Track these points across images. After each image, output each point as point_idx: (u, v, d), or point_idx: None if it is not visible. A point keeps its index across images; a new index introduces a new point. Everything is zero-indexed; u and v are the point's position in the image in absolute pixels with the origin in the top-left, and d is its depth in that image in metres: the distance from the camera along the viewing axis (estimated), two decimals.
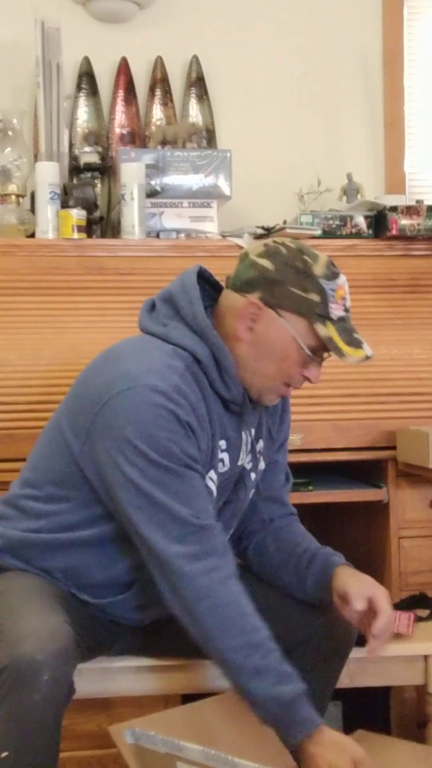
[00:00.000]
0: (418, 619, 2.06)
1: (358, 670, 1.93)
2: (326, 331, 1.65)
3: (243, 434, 1.74)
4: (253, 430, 1.78)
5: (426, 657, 1.94)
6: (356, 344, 1.67)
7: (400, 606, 2.17)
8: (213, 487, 1.69)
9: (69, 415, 1.70)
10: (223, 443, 1.70)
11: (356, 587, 1.69)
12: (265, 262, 1.66)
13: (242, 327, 1.66)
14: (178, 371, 1.63)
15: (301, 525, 1.93)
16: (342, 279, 1.68)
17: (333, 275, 1.66)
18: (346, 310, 1.68)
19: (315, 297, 1.64)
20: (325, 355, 1.71)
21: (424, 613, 2.10)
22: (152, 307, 1.74)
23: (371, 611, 1.67)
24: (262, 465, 1.84)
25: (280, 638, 1.71)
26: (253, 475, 1.81)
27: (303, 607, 1.76)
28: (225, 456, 1.71)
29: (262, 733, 1.68)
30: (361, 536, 2.57)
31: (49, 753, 1.51)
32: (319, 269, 1.65)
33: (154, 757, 1.41)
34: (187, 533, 1.57)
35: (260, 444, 1.82)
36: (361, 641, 1.89)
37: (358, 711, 2.39)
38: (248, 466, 1.79)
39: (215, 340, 1.66)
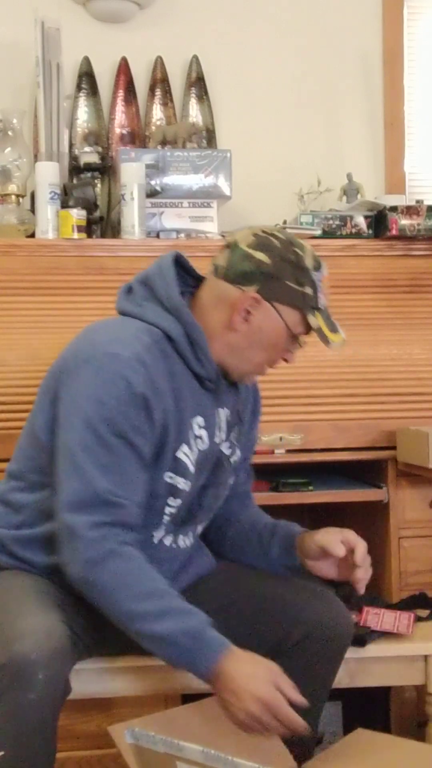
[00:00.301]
0: (418, 619, 2.06)
1: (358, 670, 1.93)
2: (316, 321, 1.74)
3: (218, 411, 1.78)
4: (228, 411, 1.82)
5: (426, 657, 1.94)
6: (335, 329, 1.77)
7: (400, 606, 2.17)
8: (188, 462, 1.71)
9: (39, 396, 1.75)
10: (200, 420, 1.74)
11: (328, 538, 1.77)
12: (261, 256, 1.70)
13: (238, 318, 1.71)
14: (144, 344, 1.67)
15: (256, 505, 2.00)
16: (325, 268, 1.77)
17: (319, 265, 1.75)
18: (327, 298, 1.78)
19: (309, 290, 1.72)
20: (304, 338, 1.78)
21: (424, 613, 2.10)
22: (129, 290, 1.79)
23: (348, 552, 1.76)
24: (238, 453, 1.87)
25: (274, 639, 1.72)
26: (232, 460, 1.85)
27: (297, 607, 1.76)
28: (204, 433, 1.74)
29: None
30: (361, 536, 2.56)
31: (46, 751, 1.52)
32: (308, 261, 1.73)
33: (154, 757, 1.41)
34: (97, 505, 1.59)
35: (235, 431, 1.85)
36: (361, 641, 1.90)
37: (358, 711, 2.39)
38: (226, 451, 1.82)
39: (188, 319, 1.71)
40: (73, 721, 2.16)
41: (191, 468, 1.73)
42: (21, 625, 1.53)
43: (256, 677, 1.53)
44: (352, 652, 1.90)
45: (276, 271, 1.70)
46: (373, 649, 1.92)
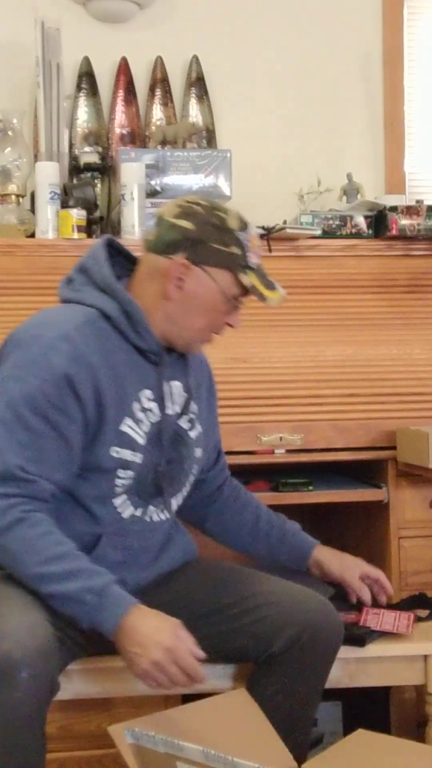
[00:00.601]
0: (418, 619, 2.06)
1: (358, 670, 1.93)
2: (249, 279, 1.76)
3: (166, 385, 1.80)
4: (180, 385, 1.84)
5: (426, 657, 1.94)
6: (272, 286, 1.80)
7: (400, 606, 2.17)
8: (134, 434, 1.74)
9: None
10: (148, 393, 1.77)
11: (354, 580, 1.98)
12: (185, 223, 1.75)
13: (171, 286, 1.75)
14: (74, 323, 1.71)
15: (239, 484, 2.06)
16: (252, 229, 1.80)
17: (245, 226, 1.77)
18: (259, 257, 1.79)
19: (235, 249, 1.75)
20: (243, 300, 1.81)
21: (424, 613, 2.10)
22: (69, 279, 1.83)
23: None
24: (199, 429, 1.89)
25: (264, 641, 1.72)
26: (192, 435, 1.87)
27: (286, 608, 1.76)
28: (153, 405, 1.77)
29: (262, 733, 1.69)
30: (361, 536, 2.56)
31: (34, 749, 1.53)
32: (232, 222, 1.76)
33: (154, 757, 1.41)
34: (7, 479, 1.63)
35: (194, 406, 1.87)
36: (361, 641, 1.90)
37: (358, 711, 2.39)
38: (185, 426, 1.85)
39: (123, 296, 1.75)
40: (73, 721, 2.16)
41: (140, 440, 1.75)
42: (3, 624, 1.54)
43: (160, 628, 1.59)
44: (352, 652, 1.90)
45: (201, 235, 1.74)
46: (373, 649, 1.92)
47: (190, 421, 1.86)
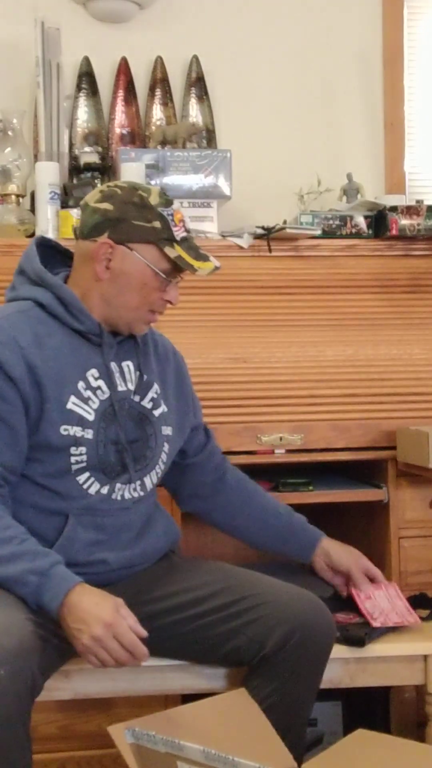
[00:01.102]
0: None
1: (358, 670, 1.93)
2: (175, 251, 1.79)
3: (114, 365, 1.84)
4: (131, 365, 1.87)
5: (426, 657, 1.94)
6: (204, 258, 1.83)
7: None
8: (82, 411, 1.78)
9: None
10: (94, 371, 1.81)
11: (356, 567, 2.01)
12: (105, 205, 1.80)
13: (100, 267, 1.80)
14: (5, 313, 1.79)
15: (241, 472, 2.08)
16: (176, 204, 1.85)
17: (167, 203, 1.82)
18: (187, 231, 1.84)
19: (157, 224, 1.79)
20: (180, 276, 1.84)
21: (424, 613, 2.10)
22: (12, 285, 1.90)
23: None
24: (163, 408, 1.91)
25: (256, 641, 1.73)
26: (156, 413, 1.90)
27: (278, 607, 1.76)
28: (101, 383, 1.81)
29: (262, 733, 1.69)
30: (361, 536, 2.56)
31: (18, 747, 1.53)
32: (154, 199, 1.80)
33: (154, 757, 1.41)
34: None
35: (155, 386, 1.91)
36: (361, 641, 1.90)
37: (358, 711, 2.39)
38: (147, 405, 1.88)
39: (53, 282, 1.82)
40: (73, 721, 2.16)
41: (89, 417, 1.78)
42: None
43: (101, 605, 1.62)
44: (352, 652, 1.90)
45: (121, 215, 1.78)
46: (373, 649, 1.92)
47: (152, 400, 1.90)
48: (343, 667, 1.91)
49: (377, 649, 1.93)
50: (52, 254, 1.91)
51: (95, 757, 2.16)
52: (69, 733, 2.16)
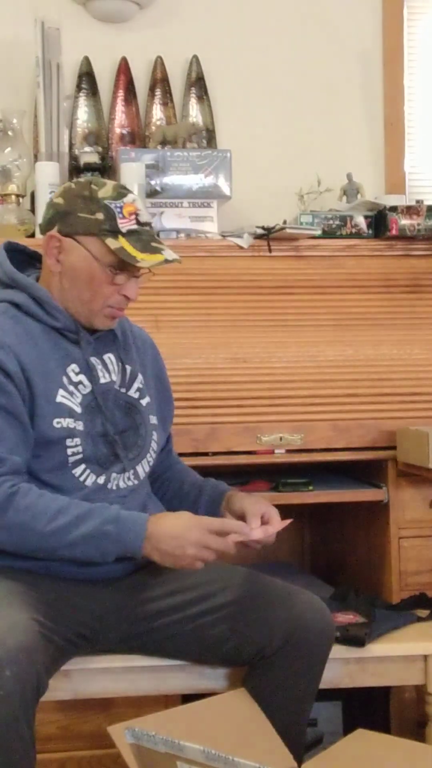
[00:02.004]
0: (418, 619, 2.06)
1: (358, 670, 1.93)
2: (117, 243, 1.78)
3: (95, 359, 1.85)
4: (112, 357, 1.89)
5: (426, 657, 1.94)
6: (153, 251, 1.80)
7: (401, 606, 2.17)
8: (71, 404, 1.80)
9: None
10: (74, 367, 1.83)
11: (253, 507, 1.85)
12: (58, 200, 1.83)
13: (51, 260, 1.83)
14: None
15: (182, 463, 2.10)
16: (130, 197, 1.83)
17: (119, 195, 1.81)
18: (141, 224, 1.81)
19: (100, 216, 1.78)
20: (139, 271, 1.83)
21: (424, 613, 2.10)
22: None
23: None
24: (148, 398, 1.93)
25: (256, 641, 1.73)
26: (144, 403, 1.92)
27: (278, 607, 1.77)
28: (82, 378, 1.83)
29: (262, 733, 1.69)
30: (361, 536, 2.56)
31: (22, 747, 1.53)
32: (104, 192, 1.80)
33: (154, 757, 1.41)
34: None
35: (140, 379, 1.92)
36: (360, 641, 1.90)
37: (358, 711, 2.39)
38: (134, 395, 1.90)
39: (25, 282, 1.84)
40: (73, 721, 2.16)
41: (77, 408, 1.80)
42: None
43: (180, 517, 1.73)
44: (352, 652, 1.90)
45: (68, 208, 1.80)
46: (373, 649, 1.92)
47: (138, 390, 1.91)
48: (343, 667, 1.92)
49: (377, 649, 1.93)
50: (22, 258, 1.92)
51: (95, 757, 2.16)
52: (69, 733, 2.16)
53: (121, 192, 1.82)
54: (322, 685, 1.82)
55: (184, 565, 1.70)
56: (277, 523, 1.82)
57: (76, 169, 2.83)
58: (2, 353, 1.75)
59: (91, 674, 1.80)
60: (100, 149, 2.89)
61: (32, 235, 2.57)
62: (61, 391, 1.79)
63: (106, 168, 2.85)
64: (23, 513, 1.68)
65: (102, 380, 1.85)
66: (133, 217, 1.80)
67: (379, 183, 3.08)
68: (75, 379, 1.82)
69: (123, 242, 1.77)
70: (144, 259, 1.77)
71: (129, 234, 1.79)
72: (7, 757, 1.51)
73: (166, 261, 1.80)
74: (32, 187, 2.65)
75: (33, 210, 2.62)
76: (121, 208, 1.79)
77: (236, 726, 1.69)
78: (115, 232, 1.78)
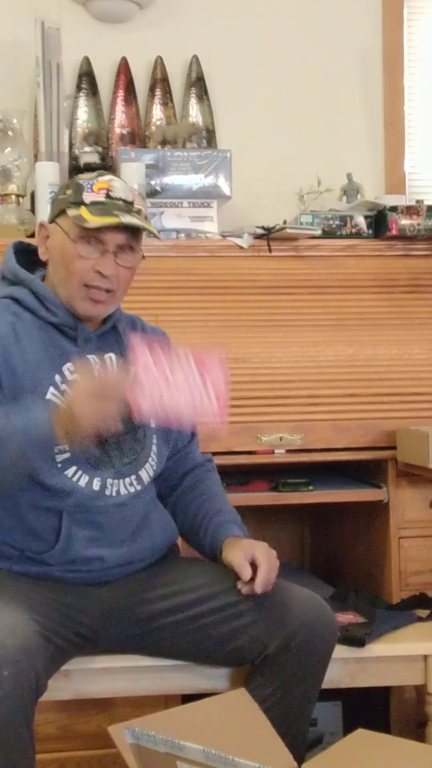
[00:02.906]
0: (418, 619, 2.06)
1: (358, 670, 1.93)
2: (75, 211, 1.77)
3: (93, 357, 1.83)
4: (113, 356, 1.86)
5: (426, 657, 1.94)
6: (109, 215, 1.76)
7: (401, 606, 2.17)
8: (60, 402, 1.76)
9: None
10: (70, 365, 1.81)
11: (237, 558, 1.77)
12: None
13: (42, 250, 1.86)
14: None
15: (214, 475, 2.02)
16: (107, 177, 1.83)
17: (98, 176, 1.82)
18: (111, 198, 1.78)
19: (69, 191, 1.81)
20: (113, 245, 1.78)
21: (424, 613, 2.10)
22: None
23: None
24: None
25: (259, 641, 1.73)
26: None
27: (281, 607, 1.76)
28: (77, 377, 1.79)
29: (262, 733, 1.69)
30: (361, 536, 2.57)
31: (21, 748, 1.53)
32: (84, 176, 1.83)
33: (154, 757, 1.41)
34: None
35: None
36: (361, 641, 1.90)
37: (358, 711, 2.39)
38: None
39: (26, 277, 1.84)
40: (73, 721, 2.16)
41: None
42: None
43: (79, 386, 1.66)
44: (352, 652, 1.90)
45: (56, 196, 1.86)
46: (373, 649, 1.92)
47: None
48: (343, 667, 1.92)
49: (377, 649, 1.93)
50: (32, 258, 1.91)
51: (95, 757, 2.16)
52: (69, 733, 2.16)
53: (102, 174, 1.84)
54: (322, 685, 1.82)
55: (91, 422, 1.62)
56: (264, 563, 1.76)
57: (76, 169, 2.83)
58: (2, 359, 1.75)
59: (91, 674, 1.80)
60: (100, 149, 2.89)
61: (32, 235, 2.57)
62: (51, 389, 1.78)
63: (106, 168, 2.85)
64: None
65: None
66: (103, 192, 1.79)
67: (379, 183, 3.08)
68: (70, 377, 1.79)
69: (82, 211, 1.76)
70: (92, 221, 1.74)
71: (92, 204, 1.77)
72: (6, 757, 1.51)
73: (123, 225, 1.75)
74: (32, 187, 2.65)
75: (33, 210, 2.62)
76: (92, 184, 1.80)
77: (236, 726, 1.69)
78: (78, 204, 1.77)
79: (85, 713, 2.15)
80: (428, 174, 3.17)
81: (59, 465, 1.76)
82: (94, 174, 1.84)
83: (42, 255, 1.85)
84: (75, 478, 1.77)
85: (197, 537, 1.92)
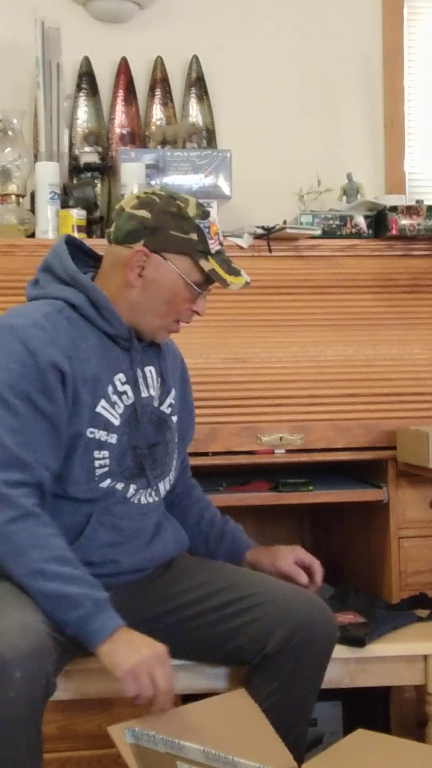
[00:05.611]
0: (418, 619, 2.06)
1: (358, 670, 1.93)
2: (209, 264, 1.79)
3: (139, 370, 1.84)
4: (153, 370, 1.88)
5: (426, 657, 1.94)
6: (236, 273, 1.83)
7: (401, 606, 2.17)
8: (109, 416, 1.79)
9: None
10: (121, 376, 1.81)
11: (286, 565, 1.93)
12: (143, 213, 1.79)
13: (132, 275, 1.79)
14: (43, 312, 1.76)
15: (193, 481, 2.09)
16: (213, 217, 1.85)
17: (205, 214, 1.81)
18: (221, 243, 1.83)
19: (194, 236, 1.78)
20: (209, 288, 1.84)
21: (424, 613, 2.10)
22: (36, 281, 1.88)
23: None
24: (177, 415, 1.93)
25: (258, 640, 1.73)
26: (174, 419, 1.92)
27: (280, 607, 1.76)
28: (127, 388, 1.81)
29: (262, 733, 1.69)
30: (361, 536, 2.56)
31: (30, 750, 1.53)
32: (191, 211, 1.79)
33: (154, 757, 1.41)
34: (8, 465, 1.67)
35: (173, 394, 1.92)
36: (361, 641, 1.90)
37: (358, 711, 2.39)
38: (167, 410, 1.90)
39: (86, 284, 1.80)
40: (73, 721, 2.16)
41: (115, 422, 1.79)
42: None
43: (150, 641, 1.64)
44: (352, 652, 1.90)
45: (158, 223, 1.77)
46: (373, 649, 1.92)
47: (170, 406, 1.91)
48: (343, 667, 1.92)
49: (377, 649, 1.93)
50: (78, 254, 1.89)
51: (95, 757, 2.16)
52: (69, 733, 2.16)
53: (205, 210, 1.81)
54: (322, 685, 1.82)
55: (123, 680, 1.61)
56: (311, 558, 1.94)
57: (76, 169, 2.83)
58: (58, 357, 1.72)
59: (91, 674, 1.80)
60: (100, 149, 2.89)
61: (32, 235, 2.58)
62: (102, 402, 1.77)
63: (106, 168, 2.85)
64: (28, 537, 1.65)
65: (143, 394, 1.84)
66: (217, 237, 1.81)
67: (379, 183, 3.08)
68: (120, 389, 1.80)
69: (214, 263, 1.79)
70: (232, 282, 1.81)
71: (217, 255, 1.80)
72: (15, 758, 1.51)
73: (246, 283, 1.83)
74: (32, 187, 2.65)
75: (33, 210, 2.62)
76: (208, 228, 1.80)
77: (236, 726, 1.69)
78: (207, 253, 1.78)
79: (85, 713, 2.15)
80: (428, 174, 3.17)
81: (96, 478, 1.77)
82: (196, 208, 1.80)
83: (133, 281, 1.78)
84: (107, 487, 1.79)
85: (207, 541, 2.00)
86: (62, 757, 2.16)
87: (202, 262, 1.78)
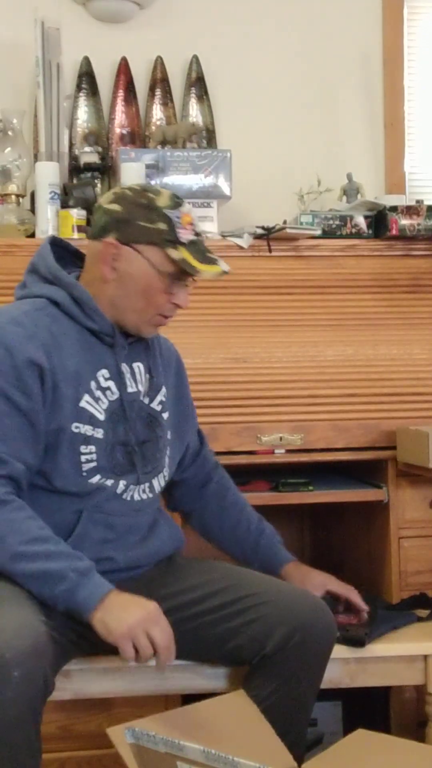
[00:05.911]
0: (418, 619, 2.06)
1: (358, 670, 1.93)
2: (179, 254, 1.77)
3: (126, 366, 1.84)
4: (141, 366, 1.88)
5: (426, 657, 1.94)
6: (210, 261, 1.81)
7: (401, 606, 2.17)
8: (93, 410, 1.79)
9: None
10: (105, 372, 1.81)
11: (350, 595, 1.98)
12: (114, 206, 1.80)
13: (106, 268, 1.80)
14: (23, 311, 1.78)
15: (226, 474, 2.08)
16: (186, 207, 1.82)
17: (176, 205, 1.80)
18: (197, 234, 1.81)
19: (162, 226, 1.77)
20: (190, 280, 1.83)
21: (424, 613, 2.10)
22: (23, 284, 1.90)
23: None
24: (168, 412, 1.93)
25: (257, 641, 1.73)
26: (165, 416, 1.92)
27: (279, 608, 1.76)
28: (111, 384, 1.82)
29: (262, 733, 1.69)
30: (361, 536, 2.56)
31: (28, 749, 1.53)
32: (162, 201, 1.79)
33: (154, 757, 1.41)
34: None
35: (163, 392, 1.92)
36: (360, 641, 1.90)
37: (358, 711, 2.39)
38: (157, 407, 1.90)
39: (68, 281, 1.82)
40: (73, 721, 2.16)
41: (99, 416, 1.79)
42: None
43: (141, 601, 1.67)
44: (352, 652, 1.90)
45: (127, 215, 1.78)
46: (373, 649, 1.92)
47: (161, 403, 1.91)
48: (343, 667, 1.92)
49: (377, 649, 1.93)
50: (64, 254, 1.90)
51: (95, 757, 2.16)
52: (69, 733, 2.16)
53: (177, 201, 1.81)
54: (322, 685, 1.82)
55: (120, 645, 1.63)
56: (352, 593, 2.00)
57: (76, 169, 2.83)
58: (36, 354, 1.73)
59: (91, 674, 1.80)
60: (100, 149, 2.89)
61: (32, 235, 2.58)
62: (86, 396, 1.78)
63: (106, 168, 2.85)
64: (3, 523, 1.66)
65: (129, 389, 1.85)
66: (191, 227, 1.80)
67: (379, 183, 3.08)
68: (104, 384, 1.81)
69: (184, 253, 1.77)
70: (205, 270, 1.78)
71: (189, 244, 1.79)
72: (14, 758, 1.51)
73: (223, 272, 1.81)
74: (32, 187, 2.65)
75: (33, 210, 2.62)
76: (179, 218, 1.79)
77: (236, 726, 1.69)
78: (176, 242, 1.77)
79: (85, 713, 2.15)
80: (428, 174, 3.17)
81: (84, 473, 1.78)
82: (168, 199, 1.80)
83: (107, 274, 1.79)
84: (96, 483, 1.79)
85: (243, 550, 2.01)
86: (62, 757, 2.16)
87: (171, 251, 1.77)
